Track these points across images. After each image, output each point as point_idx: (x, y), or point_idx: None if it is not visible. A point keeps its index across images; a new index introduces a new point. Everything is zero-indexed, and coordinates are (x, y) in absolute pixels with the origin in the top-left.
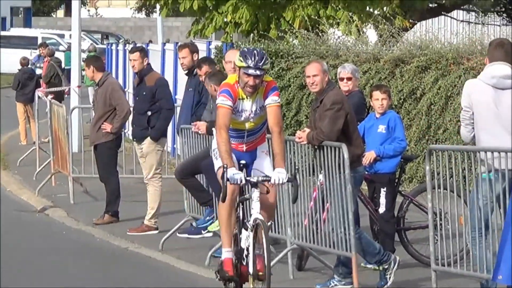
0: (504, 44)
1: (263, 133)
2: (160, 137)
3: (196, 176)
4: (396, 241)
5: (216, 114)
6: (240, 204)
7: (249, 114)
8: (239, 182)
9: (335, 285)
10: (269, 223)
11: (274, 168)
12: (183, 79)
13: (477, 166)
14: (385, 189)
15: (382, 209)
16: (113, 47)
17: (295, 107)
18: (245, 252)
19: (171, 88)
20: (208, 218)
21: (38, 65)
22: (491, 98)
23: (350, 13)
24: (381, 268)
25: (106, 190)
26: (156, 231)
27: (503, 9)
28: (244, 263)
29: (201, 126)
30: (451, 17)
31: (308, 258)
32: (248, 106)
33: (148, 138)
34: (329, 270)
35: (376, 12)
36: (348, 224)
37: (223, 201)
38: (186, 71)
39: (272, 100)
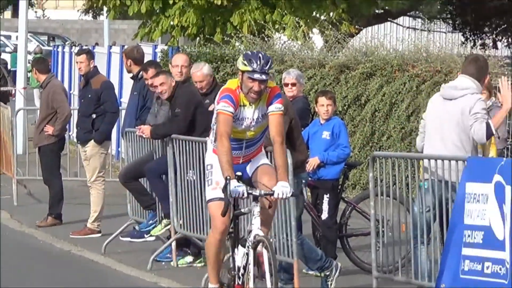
0: (478, 60)
1: (261, 144)
2: (104, 140)
3: (139, 180)
4: (338, 247)
5: (217, 121)
6: (235, 218)
7: (250, 122)
8: (241, 195)
9: None
10: (271, 239)
11: (277, 182)
12: (129, 82)
13: (419, 174)
14: (328, 195)
15: (324, 216)
16: (59, 49)
17: None
18: (241, 271)
19: (116, 91)
20: (151, 222)
21: None
22: (437, 108)
23: (296, 18)
24: (322, 274)
25: (49, 192)
26: (99, 234)
27: (449, 16)
28: (240, 282)
29: (145, 130)
30: (397, 24)
31: None
32: (249, 113)
33: (92, 141)
34: None
35: (322, 17)
36: (291, 230)
37: (223, 215)
38: (131, 75)
39: (276, 107)
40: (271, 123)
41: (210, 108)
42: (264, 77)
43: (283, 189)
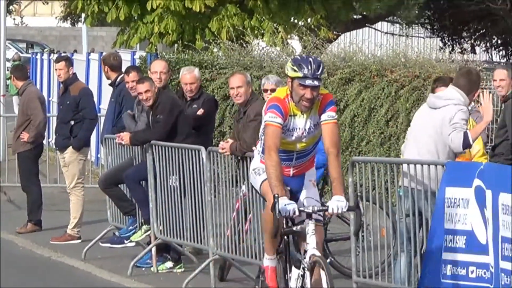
0: (471, 74)
1: (313, 156)
2: (83, 147)
3: (119, 186)
4: None
5: (265, 133)
6: (285, 237)
7: (302, 133)
8: (291, 214)
9: None
10: (328, 260)
11: (332, 196)
12: (108, 89)
13: (399, 178)
14: None
15: None
16: (38, 56)
17: (219, 117)
18: None
19: (95, 98)
20: (131, 227)
21: None
22: (423, 117)
23: (274, 24)
24: None
25: (27, 198)
26: (79, 240)
27: (427, 21)
28: None
29: (125, 136)
30: (375, 29)
31: (230, 269)
32: (301, 123)
33: (70, 147)
34: (251, 281)
35: (300, 23)
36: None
37: (274, 237)
38: (110, 82)
39: (329, 116)
40: (325, 133)
41: (199, 113)
42: (316, 83)
43: (338, 203)
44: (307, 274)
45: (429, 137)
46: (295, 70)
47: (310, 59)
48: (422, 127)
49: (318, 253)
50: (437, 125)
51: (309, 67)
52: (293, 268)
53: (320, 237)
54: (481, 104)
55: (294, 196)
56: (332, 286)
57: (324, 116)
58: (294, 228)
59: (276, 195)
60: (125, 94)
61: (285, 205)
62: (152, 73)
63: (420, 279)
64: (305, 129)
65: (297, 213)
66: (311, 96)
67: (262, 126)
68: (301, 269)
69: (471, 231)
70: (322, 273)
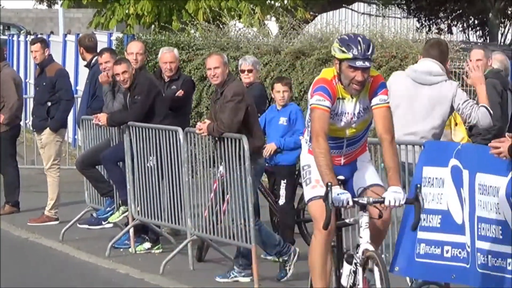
0: (441, 44)
1: (365, 141)
2: (60, 128)
3: (97, 167)
4: (296, 233)
5: (311, 118)
6: (338, 230)
7: (351, 118)
8: (345, 204)
9: (235, 276)
10: (382, 255)
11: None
12: (84, 70)
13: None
14: (285, 181)
15: (282, 201)
16: (15, 38)
17: (196, 98)
18: None
19: (72, 79)
20: (108, 209)
21: None
22: (407, 90)
23: (251, 5)
24: (281, 259)
25: (3, 180)
26: (57, 222)
27: (404, 2)
28: None
29: (102, 117)
30: (352, 10)
31: (208, 250)
32: (350, 107)
33: (48, 128)
34: (229, 261)
35: (277, 4)
36: (248, 216)
37: (325, 228)
38: (85, 64)
39: (381, 99)
40: (377, 118)
41: (178, 94)
42: (367, 64)
43: (395, 195)
44: (359, 270)
45: (428, 114)
46: (343, 51)
47: (359, 38)
48: (416, 103)
49: (371, 248)
50: (434, 102)
51: (359, 48)
52: (345, 263)
53: (378, 234)
54: (467, 76)
55: (345, 186)
56: (388, 285)
57: (375, 100)
58: (347, 221)
59: (329, 184)
60: (98, 76)
61: (338, 194)
62: (128, 54)
63: (393, 257)
64: (354, 114)
65: (350, 203)
66: (362, 78)
67: (308, 112)
68: (353, 264)
69: (447, 210)
70: (376, 269)
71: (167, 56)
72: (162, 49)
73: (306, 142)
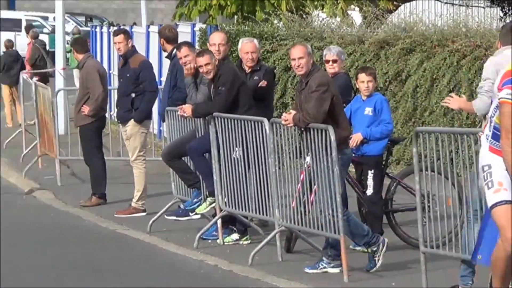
0: None
1: None
2: (144, 119)
3: (183, 158)
4: (384, 223)
5: (500, 114)
6: None
7: None
8: None
9: (324, 267)
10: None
11: None
12: (167, 61)
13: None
14: (372, 171)
15: (369, 191)
16: (97, 29)
17: (280, 89)
18: None
19: (155, 70)
20: (195, 200)
21: None
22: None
23: None
24: (369, 250)
25: (90, 172)
26: (144, 213)
27: None
28: None
29: (187, 109)
30: None
31: (297, 240)
32: None
33: (132, 120)
34: (317, 252)
35: None
36: (336, 206)
37: None
38: (166, 55)
39: None
40: None
41: (262, 84)
42: None
43: None
44: None
45: None
46: None
47: None
48: None
49: None
50: None
51: None
52: None
53: None
54: None
55: None
56: None
57: None
58: None
59: None
60: (179, 67)
61: None
62: (211, 45)
63: (475, 246)
64: None
65: None
66: None
67: (493, 106)
68: None
69: None
70: None
71: (248, 46)
72: (242, 40)
73: (487, 139)
